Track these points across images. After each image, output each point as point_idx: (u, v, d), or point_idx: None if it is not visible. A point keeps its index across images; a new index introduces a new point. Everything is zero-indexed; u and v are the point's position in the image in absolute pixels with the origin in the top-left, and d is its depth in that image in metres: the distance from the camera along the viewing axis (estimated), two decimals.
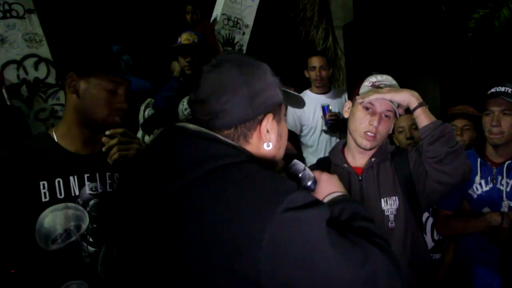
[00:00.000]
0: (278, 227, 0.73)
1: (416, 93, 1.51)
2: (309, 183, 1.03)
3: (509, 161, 1.95)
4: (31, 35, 3.96)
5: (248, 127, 0.91)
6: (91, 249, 1.31)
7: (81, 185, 1.32)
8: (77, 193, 1.31)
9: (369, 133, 1.53)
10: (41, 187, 1.26)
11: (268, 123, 0.92)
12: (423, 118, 1.47)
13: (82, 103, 1.31)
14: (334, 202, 0.96)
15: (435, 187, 1.47)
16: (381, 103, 1.52)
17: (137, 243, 0.89)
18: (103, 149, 1.32)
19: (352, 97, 1.65)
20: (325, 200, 0.98)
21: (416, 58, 5.26)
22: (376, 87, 1.56)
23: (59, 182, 1.29)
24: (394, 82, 1.59)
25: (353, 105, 1.61)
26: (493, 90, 1.94)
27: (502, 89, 1.91)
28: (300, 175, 1.03)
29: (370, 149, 1.56)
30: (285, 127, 1.01)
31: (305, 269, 0.73)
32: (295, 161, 1.05)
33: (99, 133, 1.36)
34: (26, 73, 3.92)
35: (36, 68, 3.97)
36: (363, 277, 0.75)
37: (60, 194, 1.29)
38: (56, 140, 1.34)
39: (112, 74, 1.30)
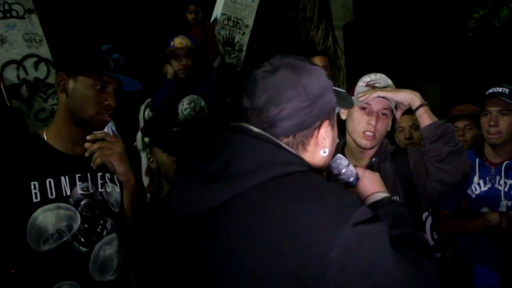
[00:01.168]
0: (347, 240, 0.75)
1: (417, 93, 1.52)
2: (351, 179, 1.04)
3: (508, 161, 1.95)
4: (31, 35, 3.96)
5: (306, 134, 0.89)
6: (82, 249, 1.30)
7: (73, 185, 1.31)
8: (68, 193, 1.30)
9: (368, 133, 1.53)
10: (32, 187, 1.25)
11: (325, 129, 0.91)
12: (425, 117, 1.49)
13: (71, 102, 1.30)
14: (378, 204, 0.97)
15: (436, 186, 1.48)
16: (377, 102, 1.53)
17: (194, 247, 0.88)
18: (86, 154, 1.31)
19: None
20: (369, 200, 0.99)
21: (416, 58, 5.27)
22: (371, 86, 1.56)
23: (50, 182, 1.28)
24: (388, 80, 1.59)
25: None
26: (490, 90, 1.95)
27: (500, 89, 1.91)
28: (343, 170, 1.04)
29: (371, 148, 1.57)
30: (337, 131, 0.98)
31: (371, 279, 0.76)
32: (339, 155, 1.05)
33: (89, 133, 1.35)
34: (26, 73, 3.92)
35: (36, 68, 3.97)
36: (419, 286, 0.78)
37: (51, 194, 1.27)
38: (46, 140, 1.33)
39: (100, 73, 1.29)
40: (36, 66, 3.97)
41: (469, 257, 2.04)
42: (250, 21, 5.14)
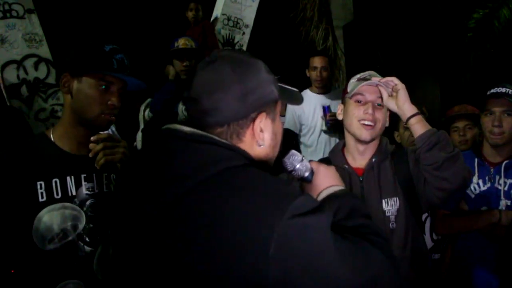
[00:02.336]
0: (285, 233, 0.73)
1: (408, 106, 1.50)
2: (306, 174, 1.02)
3: (507, 161, 1.96)
4: (31, 35, 3.95)
5: (241, 125, 0.89)
6: (87, 248, 1.32)
7: (78, 185, 1.33)
8: (74, 193, 1.32)
9: (366, 122, 1.52)
10: (38, 187, 1.27)
11: (262, 121, 0.90)
12: (419, 127, 1.47)
13: (76, 103, 1.32)
14: (332, 196, 0.95)
15: (436, 193, 1.47)
16: (371, 92, 1.53)
17: (138, 252, 0.86)
18: (90, 154, 1.32)
19: (342, 98, 1.66)
20: (324, 194, 0.97)
21: (416, 58, 5.27)
22: (362, 79, 1.57)
23: (56, 182, 1.29)
24: (377, 75, 1.60)
25: (344, 105, 1.62)
26: (493, 90, 1.94)
27: (503, 89, 1.91)
28: (297, 165, 1.02)
29: (370, 140, 1.55)
30: (280, 125, 0.98)
31: (312, 274, 0.73)
32: (293, 151, 1.04)
33: (94, 133, 1.36)
34: (26, 73, 3.92)
35: (36, 68, 3.97)
36: (365, 281, 0.76)
37: (57, 194, 1.29)
38: (53, 140, 1.34)
39: (103, 73, 1.30)
40: (36, 66, 3.97)
41: (469, 258, 2.04)
42: (250, 21, 5.13)
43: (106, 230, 1.36)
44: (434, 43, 5.41)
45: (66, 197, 1.30)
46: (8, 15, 3.84)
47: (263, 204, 0.76)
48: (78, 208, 1.32)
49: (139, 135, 3.29)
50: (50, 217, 1.27)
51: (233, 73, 0.87)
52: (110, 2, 5.33)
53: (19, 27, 3.89)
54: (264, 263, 0.72)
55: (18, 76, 3.87)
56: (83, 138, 1.35)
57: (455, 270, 2.13)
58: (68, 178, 1.32)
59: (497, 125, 1.91)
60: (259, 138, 0.91)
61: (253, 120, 0.90)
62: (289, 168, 1.04)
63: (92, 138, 1.33)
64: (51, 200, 1.28)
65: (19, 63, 3.89)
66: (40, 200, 1.26)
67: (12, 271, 1.29)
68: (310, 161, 1.05)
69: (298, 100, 1.09)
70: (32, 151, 1.32)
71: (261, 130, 0.91)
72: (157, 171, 0.85)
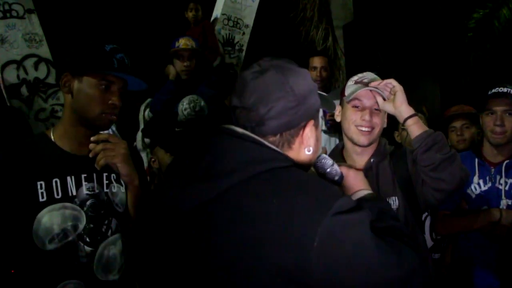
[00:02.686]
0: (328, 229, 0.77)
1: (405, 108, 1.50)
2: (336, 178, 1.06)
3: (508, 161, 1.96)
4: (31, 35, 3.96)
5: (292, 133, 0.93)
6: (87, 248, 1.31)
7: (78, 185, 1.33)
8: (74, 193, 1.31)
9: (363, 128, 1.53)
10: (38, 187, 1.27)
11: (310, 129, 0.95)
12: (415, 128, 1.48)
13: (76, 102, 1.32)
14: (362, 200, 0.99)
15: (434, 194, 1.47)
16: (368, 97, 1.54)
17: (180, 243, 0.91)
18: (90, 155, 1.33)
19: (340, 101, 1.66)
20: (354, 197, 1.01)
21: (416, 58, 5.26)
22: (360, 83, 1.57)
23: (56, 182, 1.29)
24: (375, 76, 1.60)
25: (342, 108, 1.62)
26: (495, 90, 1.94)
27: (505, 89, 1.91)
28: (328, 169, 1.06)
29: (368, 144, 1.56)
30: (320, 131, 1.03)
31: (352, 268, 0.78)
32: (324, 155, 1.08)
33: (95, 133, 1.36)
34: (26, 73, 3.92)
35: (36, 68, 3.97)
36: (402, 276, 0.80)
37: (57, 194, 1.29)
38: (53, 140, 1.34)
39: (104, 72, 1.30)
40: (36, 66, 3.97)
41: (469, 258, 2.04)
42: (250, 21, 5.14)
43: (106, 230, 1.36)
44: (434, 43, 5.41)
45: (67, 197, 1.30)
46: (8, 15, 3.84)
47: (309, 201, 0.80)
48: (78, 208, 1.32)
49: (139, 135, 3.29)
50: (50, 217, 1.27)
51: (287, 83, 0.90)
52: (110, 2, 5.33)
53: (19, 27, 3.89)
54: (309, 256, 0.76)
55: (18, 76, 3.88)
56: (84, 138, 1.35)
57: (456, 270, 2.13)
58: (68, 178, 1.31)
59: (499, 125, 1.91)
60: (308, 145, 0.95)
61: (303, 128, 0.94)
62: (320, 171, 1.07)
63: (92, 138, 1.33)
64: (51, 200, 1.28)
65: (19, 63, 3.89)
66: (40, 200, 1.26)
67: (12, 271, 1.29)
68: (339, 165, 1.09)
69: (332, 107, 1.15)
70: (32, 151, 1.32)
71: (309, 137, 0.95)
72: (206, 164, 0.89)
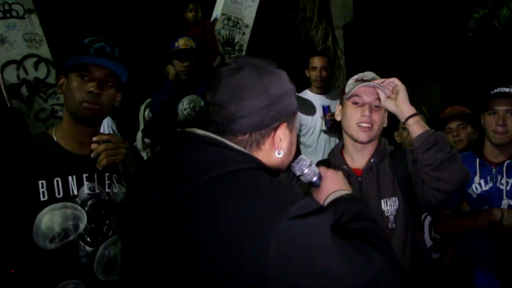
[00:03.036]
0: (284, 234, 0.74)
1: (407, 107, 1.50)
2: (314, 179, 1.04)
3: (509, 161, 1.96)
4: (31, 35, 3.96)
5: (262, 134, 0.91)
6: (88, 248, 1.32)
7: (80, 185, 1.33)
8: (75, 192, 1.32)
9: (363, 124, 1.53)
10: (40, 186, 1.27)
11: (282, 131, 0.93)
12: (416, 128, 1.47)
13: (66, 100, 1.35)
14: (338, 200, 0.96)
15: (434, 194, 1.47)
16: (368, 94, 1.53)
17: (144, 247, 0.89)
18: (92, 155, 1.33)
19: (340, 100, 1.66)
20: (330, 198, 0.99)
21: (416, 58, 5.26)
22: (360, 81, 1.57)
23: (57, 181, 1.29)
24: (375, 75, 1.60)
25: (342, 106, 1.62)
26: (497, 90, 1.94)
27: (507, 89, 1.91)
28: (305, 170, 1.04)
29: (368, 141, 1.55)
30: (295, 135, 1.01)
31: (310, 274, 0.75)
32: (301, 156, 1.06)
33: (94, 131, 1.37)
34: (26, 73, 3.92)
35: (36, 68, 3.97)
36: (365, 281, 0.76)
37: (59, 194, 1.29)
38: (55, 140, 1.35)
39: (80, 62, 1.30)
40: (36, 66, 3.97)
41: (470, 258, 2.04)
42: (250, 21, 5.14)
43: (107, 230, 1.36)
44: (434, 43, 5.41)
45: (68, 197, 1.30)
46: (8, 15, 3.84)
47: (266, 205, 0.78)
48: (79, 207, 1.32)
49: (139, 135, 3.29)
50: (51, 217, 1.27)
51: (261, 82, 0.89)
52: (110, 3, 5.33)
53: (19, 27, 3.89)
54: (264, 262, 0.73)
55: (18, 76, 3.87)
56: (83, 137, 1.35)
57: (456, 270, 2.13)
58: (69, 177, 1.32)
59: (501, 124, 1.91)
60: (278, 148, 0.93)
61: (275, 129, 0.92)
62: (298, 172, 1.06)
63: (94, 139, 1.33)
64: (52, 200, 1.28)
65: (19, 63, 3.89)
66: (42, 199, 1.26)
67: (12, 271, 1.29)
68: (318, 166, 1.07)
69: (312, 112, 1.13)
70: (34, 149, 1.32)
71: (280, 139, 0.93)
72: (168, 169, 0.88)
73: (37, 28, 3.99)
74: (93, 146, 1.33)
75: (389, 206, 1.53)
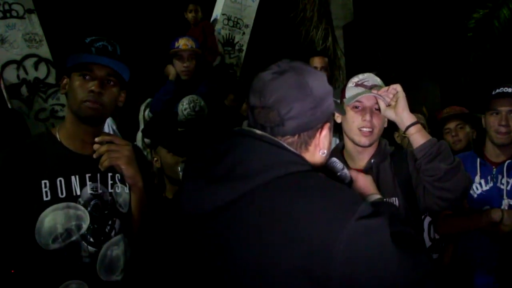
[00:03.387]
0: (353, 233, 0.79)
1: (407, 115, 1.48)
2: (346, 182, 1.06)
3: (509, 161, 1.96)
4: (31, 35, 3.96)
5: (309, 135, 0.94)
6: (91, 249, 1.31)
7: (83, 185, 1.32)
8: (78, 192, 1.31)
9: (364, 129, 1.53)
10: (43, 186, 1.26)
11: (326, 131, 0.96)
12: (418, 136, 1.46)
13: (68, 100, 1.34)
14: (373, 204, 0.98)
15: (437, 202, 1.46)
16: (368, 98, 1.53)
17: (201, 246, 0.91)
18: (94, 155, 1.32)
19: (340, 101, 1.65)
20: None
21: (416, 58, 5.27)
22: (361, 85, 1.56)
23: (60, 181, 1.29)
24: (376, 78, 1.59)
25: None
26: (499, 90, 1.94)
27: (509, 89, 1.91)
28: (338, 173, 1.06)
29: (369, 145, 1.56)
30: (332, 135, 1.03)
31: (374, 270, 0.80)
32: (334, 159, 1.07)
33: (96, 131, 1.36)
34: (26, 73, 3.92)
35: (36, 68, 3.97)
36: (417, 279, 0.82)
37: (62, 194, 1.29)
38: (59, 139, 1.34)
39: (81, 61, 1.30)
40: (36, 66, 3.97)
41: (469, 259, 2.04)
42: (250, 21, 5.14)
43: (110, 231, 1.36)
44: (434, 43, 5.41)
45: (71, 197, 1.30)
46: (8, 15, 3.84)
47: (333, 205, 0.82)
48: (82, 208, 1.31)
49: (139, 135, 3.29)
50: (54, 217, 1.27)
51: (306, 85, 0.92)
52: (110, 3, 5.33)
53: (19, 27, 3.89)
54: (331, 259, 0.78)
55: (18, 76, 3.88)
56: (87, 137, 1.35)
57: (456, 270, 2.13)
58: (73, 177, 1.31)
59: (504, 125, 1.91)
60: (323, 148, 0.97)
61: (320, 130, 0.95)
62: (331, 174, 1.06)
63: (96, 139, 1.33)
64: (55, 199, 1.27)
65: (19, 63, 3.89)
66: (44, 199, 1.26)
67: (12, 271, 1.29)
68: (349, 169, 1.09)
69: (343, 111, 1.17)
70: (37, 149, 1.32)
71: (324, 140, 0.97)
72: (226, 166, 0.89)
73: (37, 28, 3.99)
74: (95, 146, 1.32)
75: None
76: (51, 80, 4.03)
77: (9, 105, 3.79)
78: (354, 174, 1.08)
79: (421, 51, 5.30)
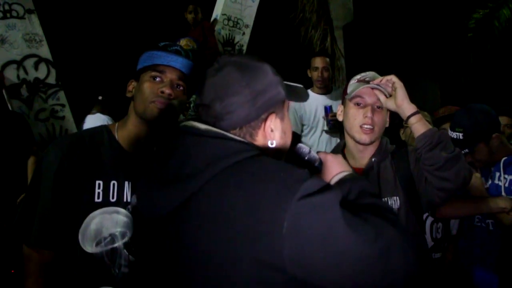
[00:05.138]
0: (296, 213, 0.77)
1: (406, 105, 1.49)
2: (316, 164, 1.06)
3: (505, 158, 1.97)
4: (31, 35, 3.96)
5: (253, 126, 0.94)
6: (132, 258, 1.27)
7: (134, 192, 1.28)
8: (129, 199, 1.27)
9: (365, 126, 1.52)
10: (96, 186, 1.24)
11: (272, 122, 0.95)
12: (419, 126, 1.46)
13: (135, 101, 1.30)
14: (342, 181, 0.98)
15: (437, 193, 1.46)
16: (370, 94, 1.53)
17: (158, 246, 0.93)
18: None
19: (342, 100, 1.66)
20: (334, 180, 1.01)
21: (416, 58, 5.27)
22: (362, 81, 1.57)
23: (114, 184, 1.26)
24: (377, 75, 1.60)
25: (344, 107, 1.62)
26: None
27: (454, 135, 1.96)
28: (306, 157, 1.05)
29: (370, 143, 1.55)
30: (289, 123, 1.03)
31: (324, 249, 0.77)
32: (300, 144, 1.07)
33: (153, 130, 1.31)
34: (26, 73, 3.92)
35: (36, 68, 3.97)
36: (377, 251, 0.78)
37: (113, 197, 1.25)
38: (117, 139, 1.30)
39: (153, 63, 1.27)
40: (36, 66, 3.97)
41: (470, 257, 2.04)
42: (250, 21, 5.14)
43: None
44: (434, 43, 5.42)
45: (121, 202, 1.26)
46: (8, 15, 3.84)
47: (275, 188, 0.81)
48: (130, 215, 1.27)
49: None
50: (102, 220, 1.23)
51: (242, 78, 0.92)
52: (110, 3, 5.33)
53: (19, 27, 3.89)
54: (279, 243, 0.77)
55: (18, 76, 3.87)
56: (145, 139, 1.30)
57: (456, 269, 2.13)
58: (126, 182, 1.27)
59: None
60: (270, 138, 0.96)
61: (264, 121, 0.95)
62: (300, 159, 1.07)
63: None
64: (106, 202, 1.24)
65: (19, 63, 3.89)
66: (96, 200, 1.23)
67: (12, 271, 1.28)
68: (317, 152, 1.09)
69: (304, 97, 1.12)
70: (97, 145, 1.27)
71: (272, 130, 0.96)
72: (174, 167, 0.90)
73: (37, 28, 3.99)
74: None
75: (391, 205, 1.52)
76: (51, 80, 4.03)
77: (9, 106, 3.79)
78: (322, 156, 1.07)
79: (421, 51, 5.30)
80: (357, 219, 0.80)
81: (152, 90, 1.26)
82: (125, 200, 1.27)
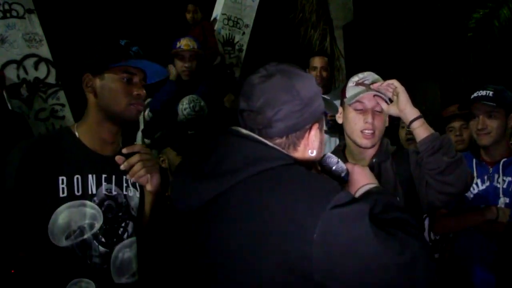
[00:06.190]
0: (328, 221, 0.81)
1: (410, 109, 1.49)
2: (342, 175, 1.07)
3: (505, 159, 1.97)
4: (31, 35, 3.96)
5: (297, 136, 0.97)
6: (102, 249, 1.31)
7: (98, 185, 1.32)
8: (94, 192, 1.31)
9: (366, 131, 1.53)
10: (60, 182, 1.27)
11: (315, 132, 0.99)
12: (421, 130, 1.46)
13: (102, 100, 1.33)
14: (368, 193, 1.01)
15: (438, 197, 1.46)
16: (370, 99, 1.53)
17: (187, 239, 0.97)
18: (122, 167, 1.28)
19: (341, 101, 1.65)
20: (360, 191, 1.04)
21: (416, 58, 5.27)
22: (361, 84, 1.56)
23: (77, 179, 1.29)
24: (376, 75, 1.59)
25: (344, 110, 1.62)
26: (475, 94, 1.98)
27: (484, 92, 1.94)
28: (333, 167, 1.07)
29: (371, 147, 1.56)
30: (324, 134, 1.06)
31: (351, 258, 0.81)
32: (329, 154, 1.10)
33: (122, 128, 1.37)
34: (26, 73, 3.92)
35: (36, 68, 3.97)
36: (403, 263, 0.82)
37: (78, 191, 1.29)
38: (77, 137, 1.34)
39: (124, 65, 1.31)
40: (36, 66, 3.97)
41: (468, 257, 2.05)
42: (250, 21, 5.14)
43: (123, 233, 1.36)
44: (434, 43, 5.41)
45: (86, 195, 1.30)
46: (8, 15, 3.84)
47: (310, 195, 0.85)
48: (96, 207, 1.31)
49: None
50: (69, 214, 1.27)
51: (293, 87, 0.95)
52: (110, 3, 5.33)
53: (19, 27, 3.89)
54: (309, 248, 0.80)
55: (18, 76, 3.87)
56: (108, 136, 1.35)
57: (454, 269, 2.13)
58: (89, 176, 1.31)
59: (481, 128, 1.96)
60: (312, 147, 1.00)
61: (308, 130, 0.98)
62: (327, 170, 1.09)
63: (123, 150, 1.30)
64: (71, 197, 1.28)
65: (19, 63, 3.89)
66: (61, 195, 1.26)
67: (12, 271, 1.29)
68: (345, 162, 1.11)
69: (334, 110, 1.20)
70: (57, 144, 1.31)
71: (313, 140, 0.99)
72: (212, 163, 0.94)
73: (37, 28, 3.99)
74: (117, 158, 1.29)
75: None
76: (51, 80, 4.03)
77: (9, 106, 3.79)
78: (350, 166, 1.09)
79: (421, 51, 5.29)
80: (384, 232, 0.83)
81: (127, 93, 1.32)
82: (90, 192, 1.30)
